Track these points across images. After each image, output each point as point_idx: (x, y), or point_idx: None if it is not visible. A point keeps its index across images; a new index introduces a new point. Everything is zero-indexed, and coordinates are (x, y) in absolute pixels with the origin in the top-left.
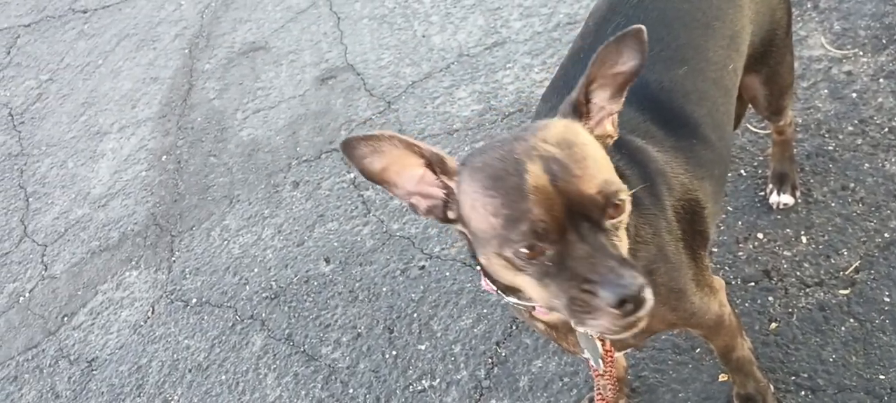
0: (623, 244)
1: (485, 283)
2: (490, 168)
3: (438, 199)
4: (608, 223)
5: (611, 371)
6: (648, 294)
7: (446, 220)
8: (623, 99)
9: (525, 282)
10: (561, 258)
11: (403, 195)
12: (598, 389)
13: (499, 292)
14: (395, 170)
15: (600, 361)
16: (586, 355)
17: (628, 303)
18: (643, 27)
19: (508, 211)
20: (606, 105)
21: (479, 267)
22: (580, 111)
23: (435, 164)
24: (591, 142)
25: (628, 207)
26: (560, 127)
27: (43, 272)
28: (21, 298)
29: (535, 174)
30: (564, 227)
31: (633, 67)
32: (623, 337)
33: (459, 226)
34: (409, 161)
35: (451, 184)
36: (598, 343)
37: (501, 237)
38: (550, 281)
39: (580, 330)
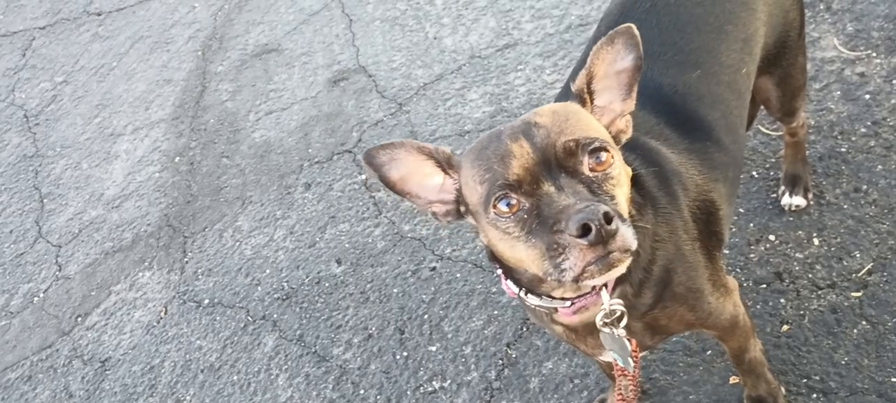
0: (618, 204)
1: (506, 286)
2: (479, 145)
3: (452, 201)
4: (589, 173)
5: (636, 372)
6: (621, 224)
7: (460, 216)
8: (634, 97)
9: (520, 250)
10: (538, 209)
11: (425, 205)
12: (619, 389)
13: (520, 295)
14: (416, 181)
15: (630, 360)
16: (608, 356)
17: (593, 232)
18: (632, 25)
19: (489, 174)
20: (618, 105)
21: (499, 271)
22: (582, 98)
23: (443, 162)
24: (583, 111)
25: (618, 163)
26: (555, 104)
27: (57, 272)
28: (35, 298)
29: (514, 138)
30: (539, 179)
31: (633, 63)
32: (601, 278)
33: (470, 219)
34: (427, 168)
35: (457, 176)
36: (627, 343)
37: (485, 200)
38: (534, 237)
39: (564, 280)
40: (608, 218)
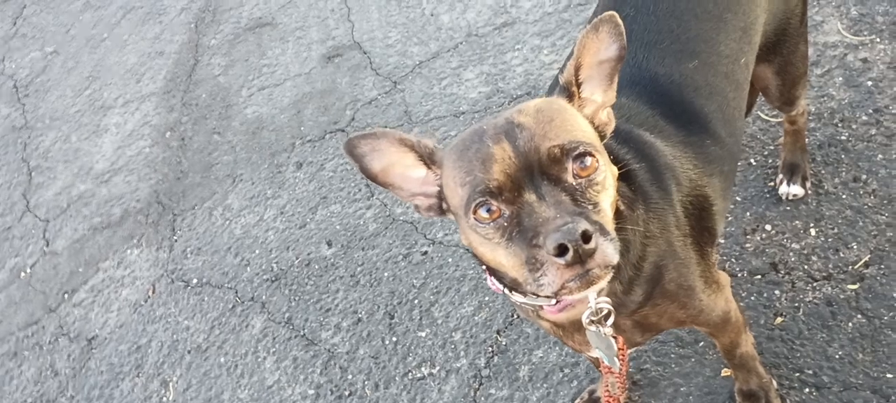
0: (601, 211)
1: (491, 282)
2: (461, 144)
3: (434, 195)
4: (573, 181)
5: (623, 370)
6: (601, 240)
7: (443, 213)
8: (614, 89)
9: (501, 256)
10: (519, 218)
11: (407, 197)
12: (606, 386)
13: (505, 291)
14: (398, 172)
15: (616, 360)
16: (595, 353)
17: (570, 253)
18: (615, 13)
19: (470, 178)
20: (599, 96)
21: (484, 267)
22: (569, 92)
23: (425, 157)
24: (568, 110)
25: (602, 166)
26: (539, 101)
27: (44, 247)
28: (22, 274)
29: (497, 140)
30: (521, 186)
31: (616, 53)
32: (578, 295)
33: (452, 217)
34: (409, 160)
35: (440, 172)
36: (613, 342)
37: (466, 205)
38: (513, 244)
39: (542, 294)
40: (586, 237)
